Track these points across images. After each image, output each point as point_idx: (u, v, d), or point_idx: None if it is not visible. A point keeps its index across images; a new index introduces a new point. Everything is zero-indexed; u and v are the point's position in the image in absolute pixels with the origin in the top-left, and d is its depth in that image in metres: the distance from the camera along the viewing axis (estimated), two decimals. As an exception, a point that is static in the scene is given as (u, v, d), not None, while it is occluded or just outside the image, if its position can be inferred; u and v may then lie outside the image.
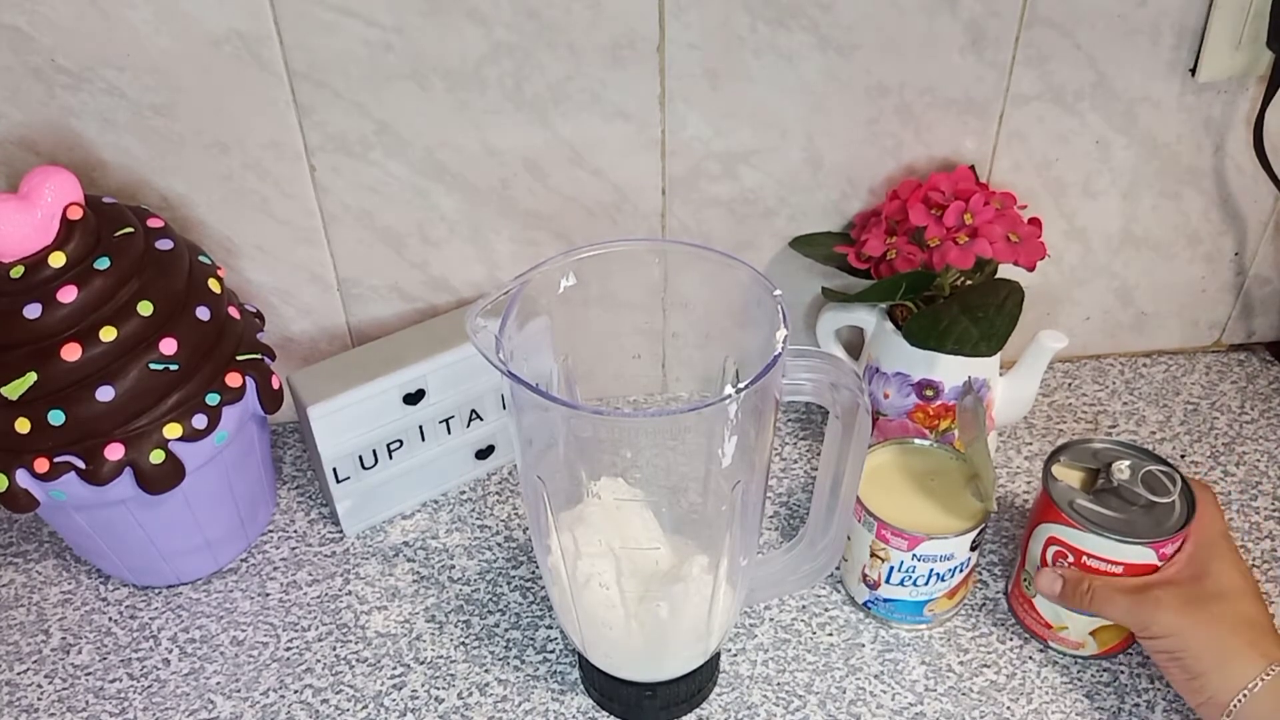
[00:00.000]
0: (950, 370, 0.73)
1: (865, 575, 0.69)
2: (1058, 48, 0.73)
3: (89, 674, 0.69)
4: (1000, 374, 0.76)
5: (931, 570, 0.66)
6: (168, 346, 0.63)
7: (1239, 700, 0.58)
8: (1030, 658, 0.68)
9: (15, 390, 0.61)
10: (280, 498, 0.80)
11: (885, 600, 0.69)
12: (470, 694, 0.67)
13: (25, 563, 0.76)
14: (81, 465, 0.62)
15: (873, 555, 0.67)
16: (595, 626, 0.60)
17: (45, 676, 0.69)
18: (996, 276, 0.75)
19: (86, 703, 0.67)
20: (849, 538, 0.68)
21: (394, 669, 0.69)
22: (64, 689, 0.68)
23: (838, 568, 0.72)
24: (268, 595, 0.73)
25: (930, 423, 0.75)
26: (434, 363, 0.73)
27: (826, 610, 0.71)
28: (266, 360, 0.70)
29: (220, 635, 0.71)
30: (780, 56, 0.71)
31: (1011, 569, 0.73)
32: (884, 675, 0.67)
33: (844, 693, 0.67)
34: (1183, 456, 0.82)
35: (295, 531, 0.78)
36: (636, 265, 0.59)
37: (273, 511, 0.79)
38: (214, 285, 0.67)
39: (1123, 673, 0.68)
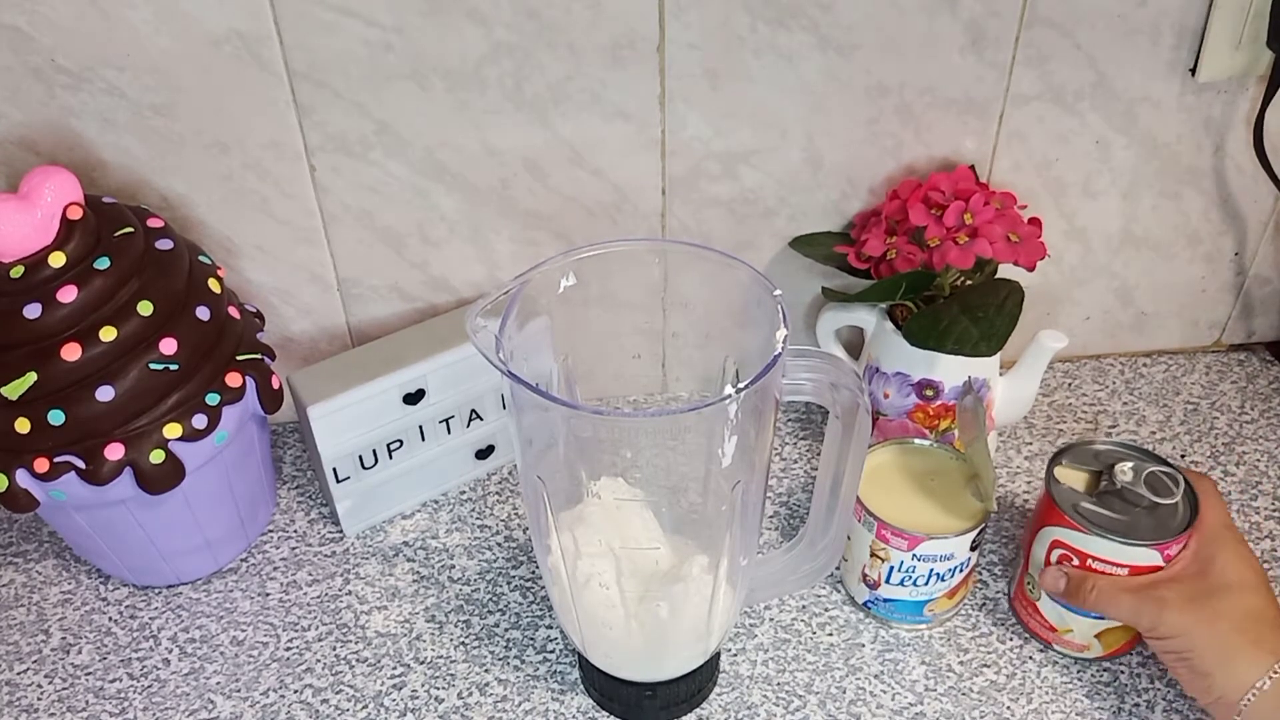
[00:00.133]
0: (950, 370, 0.73)
1: (865, 575, 0.69)
2: (1058, 48, 0.73)
3: (89, 674, 0.69)
4: (1000, 374, 0.76)
5: (931, 570, 0.66)
6: (168, 346, 0.63)
7: (1248, 700, 0.57)
8: (1030, 658, 0.68)
9: (15, 390, 0.61)
10: (280, 498, 0.80)
11: (885, 600, 0.69)
12: (470, 694, 0.67)
13: (25, 563, 0.76)
14: (81, 465, 0.62)
15: (873, 555, 0.67)
16: (595, 626, 0.60)
17: (45, 676, 0.69)
18: (996, 276, 0.75)
19: (86, 703, 0.67)
20: (849, 538, 0.68)
21: (394, 669, 0.69)
22: (64, 689, 0.68)
23: (838, 568, 0.72)
24: (268, 595, 0.73)
25: (930, 423, 0.75)
26: (434, 363, 0.73)
27: (826, 610, 0.71)
28: (266, 360, 0.70)
29: (220, 635, 0.71)
30: (780, 56, 0.71)
31: (1012, 569, 0.73)
32: (884, 675, 0.67)
33: (844, 693, 0.67)
34: (1183, 456, 0.82)
35: (295, 531, 0.78)
36: (636, 265, 0.59)
37: (273, 511, 0.79)
38: (214, 285, 0.67)
39: (1123, 673, 0.68)
